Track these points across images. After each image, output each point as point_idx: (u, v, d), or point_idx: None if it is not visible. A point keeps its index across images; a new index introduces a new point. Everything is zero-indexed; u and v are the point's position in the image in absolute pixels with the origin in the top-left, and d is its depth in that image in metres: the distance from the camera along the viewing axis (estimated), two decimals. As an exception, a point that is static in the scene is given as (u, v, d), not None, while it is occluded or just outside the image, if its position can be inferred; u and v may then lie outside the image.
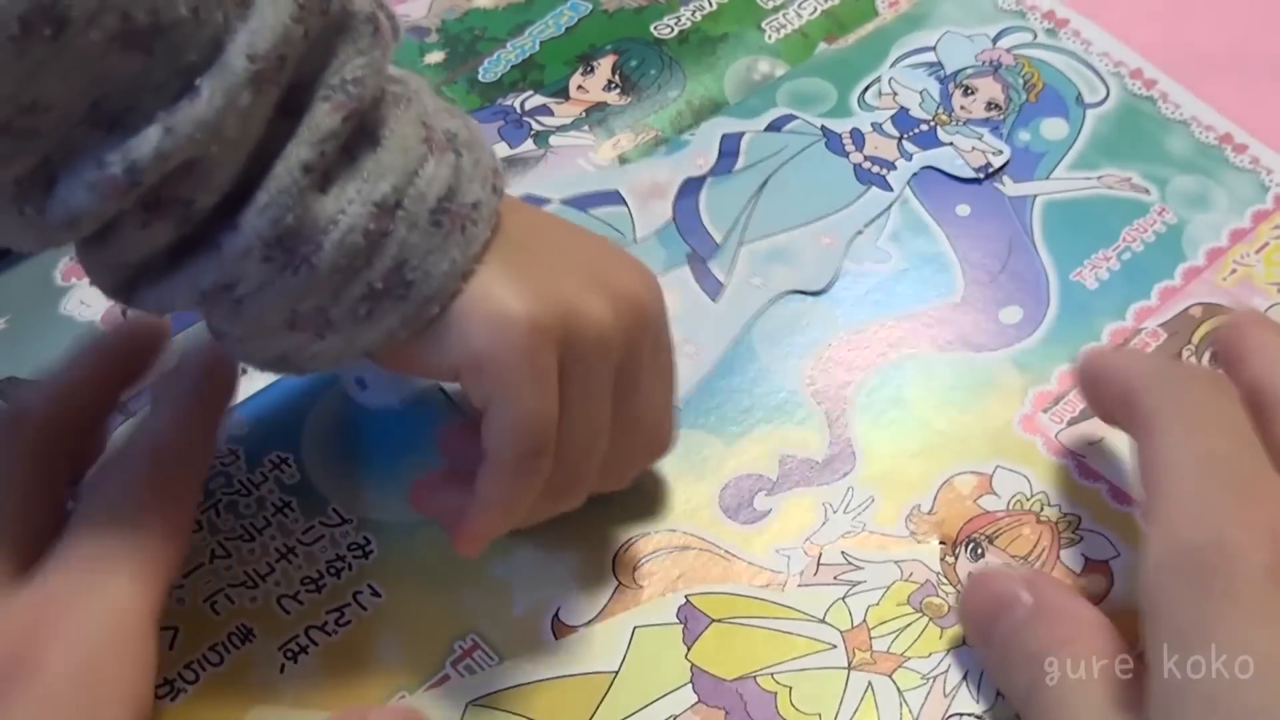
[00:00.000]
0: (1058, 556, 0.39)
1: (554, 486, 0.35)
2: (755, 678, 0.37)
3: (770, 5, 0.53)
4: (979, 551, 0.39)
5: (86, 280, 0.44)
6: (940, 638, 0.38)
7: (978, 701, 0.37)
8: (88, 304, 0.45)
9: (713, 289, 0.44)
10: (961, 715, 0.37)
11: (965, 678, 0.37)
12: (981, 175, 0.47)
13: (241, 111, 0.28)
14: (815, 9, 0.53)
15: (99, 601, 0.32)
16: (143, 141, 0.28)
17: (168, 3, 0.27)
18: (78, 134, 0.28)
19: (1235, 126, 0.49)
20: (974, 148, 0.48)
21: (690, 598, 0.38)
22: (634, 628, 0.38)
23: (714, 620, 0.38)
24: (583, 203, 0.46)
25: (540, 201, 0.47)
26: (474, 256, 0.32)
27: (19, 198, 0.29)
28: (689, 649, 0.37)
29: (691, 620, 0.38)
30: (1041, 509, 0.40)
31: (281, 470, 0.40)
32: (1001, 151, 0.48)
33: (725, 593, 0.39)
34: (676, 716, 0.36)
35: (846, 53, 0.51)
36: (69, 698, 0.31)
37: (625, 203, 0.47)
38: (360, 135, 0.31)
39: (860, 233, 0.46)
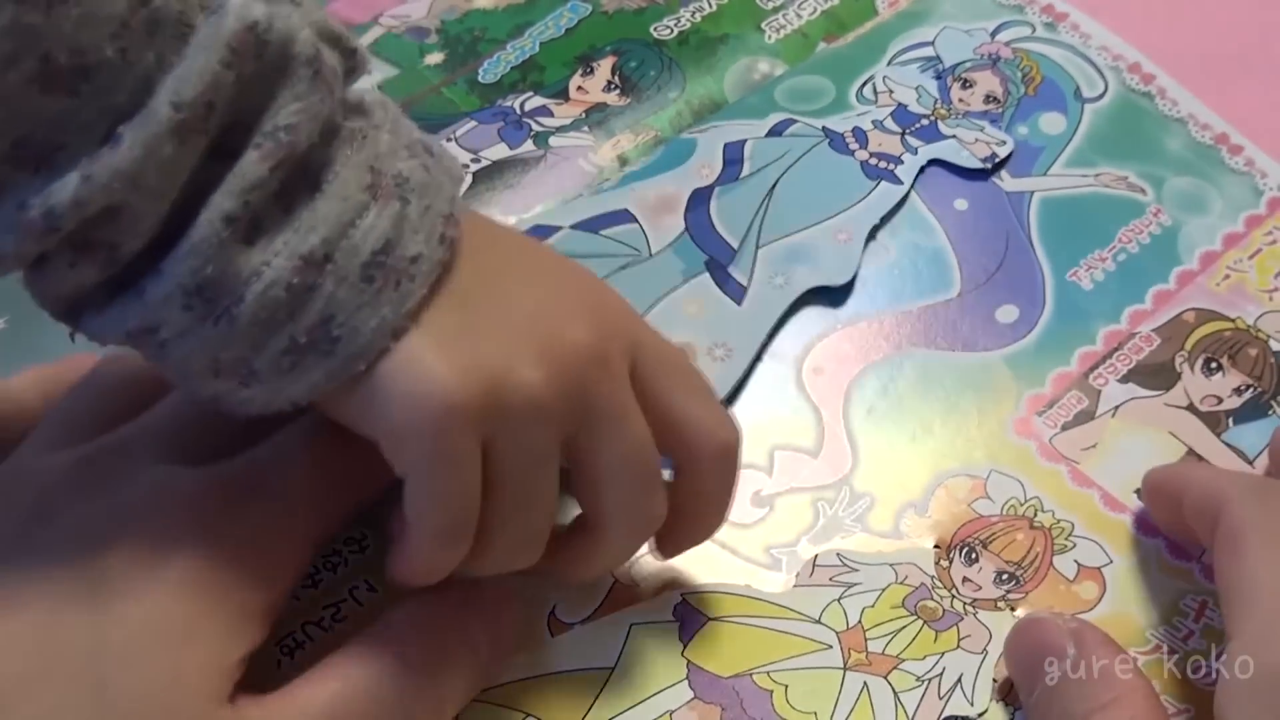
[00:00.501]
0: (1050, 563, 0.40)
1: (501, 551, 0.34)
2: (751, 675, 0.37)
3: (770, 6, 0.53)
4: (973, 556, 0.40)
5: None
6: (935, 641, 0.38)
7: (972, 704, 0.37)
8: None
9: (736, 293, 0.44)
10: (956, 718, 0.37)
11: (959, 681, 0.37)
12: (989, 166, 0.48)
13: (163, 161, 0.28)
14: (815, 9, 0.53)
15: None
16: (62, 188, 0.27)
17: (93, 44, 0.27)
18: (2, 173, 0.28)
19: (1231, 127, 0.49)
20: (977, 139, 0.48)
21: (686, 596, 0.39)
22: (630, 625, 0.38)
23: (710, 619, 0.38)
24: (593, 225, 0.46)
25: (550, 230, 0.46)
26: (407, 314, 0.31)
27: None
28: (685, 646, 0.38)
29: (688, 618, 0.38)
30: (1035, 515, 0.40)
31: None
32: (1005, 142, 0.48)
33: (722, 592, 0.39)
34: (673, 712, 0.37)
35: (845, 50, 0.51)
36: None
37: (636, 219, 0.46)
38: (300, 180, 0.30)
39: (877, 226, 0.46)
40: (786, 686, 0.37)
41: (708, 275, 0.45)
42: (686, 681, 0.37)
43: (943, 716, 0.37)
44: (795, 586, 0.39)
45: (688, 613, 0.38)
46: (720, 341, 0.43)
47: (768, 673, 0.37)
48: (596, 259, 0.44)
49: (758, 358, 0.43)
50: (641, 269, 0.45)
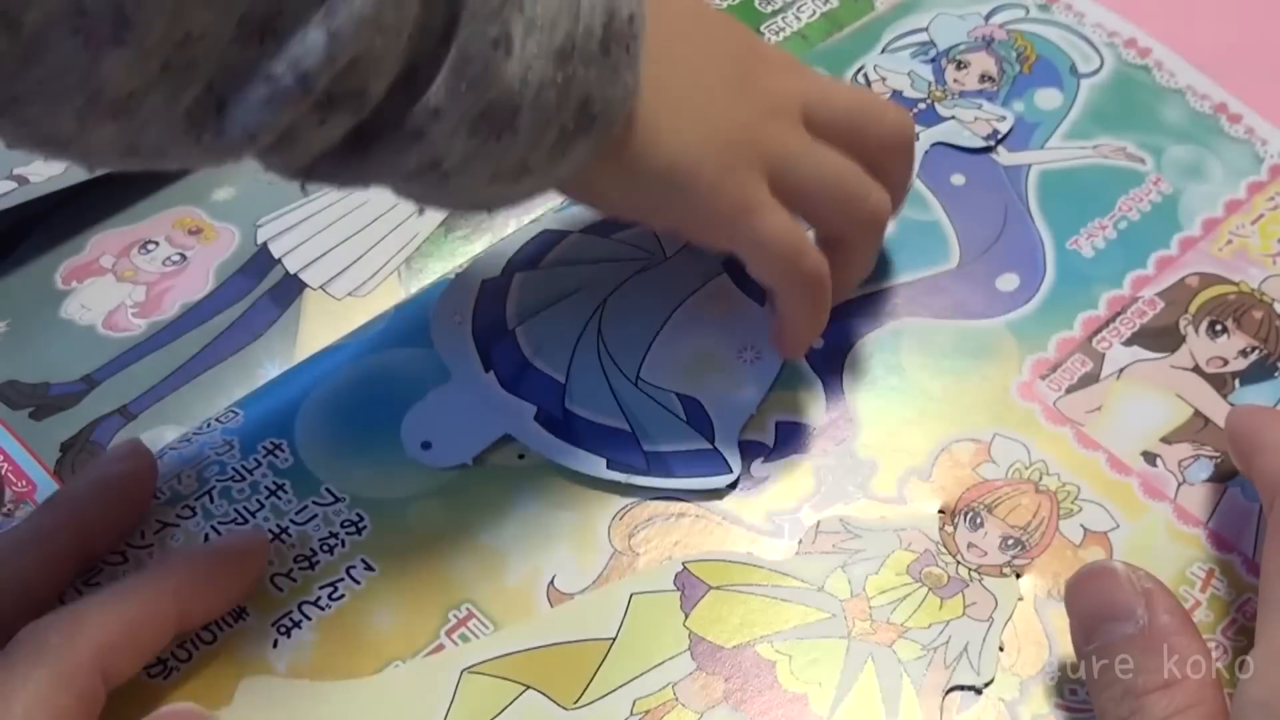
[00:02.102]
0: (1056, 527, 0.39)
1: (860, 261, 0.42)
2: (754, 646, 0.36)
3: (769, 9, 0.53)
4: (978, 521, 0.39)
5: (87, 283, 0.46)
6: (940, 608, 0.37)
7: (979, 674, 0.36)
8: (88, 307, 0.45)
9: (756, 294, 0.43)
10: (963, 687, 0.36)
11: (965, 649, 0.36)
12: (992, 143, 0.47)
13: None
14: (815, 11, 0.53)
15: None
16: (307, 50, 0.28)
17: None
18: (232, 53, 0.28)
19: (1230, 96, 0.49)
20: (976, 118, 0.48)
21: (687, 565, 0.38)
22: (631, 594, 0.37)
23: (712, 587, 0.37)
24: (605, 229, 0.45)
25: (561, 235, 0.45)
26: (639, 75, 0.34)
27: (194, 128, 0.29)
28: (687, 616, 0.37)
29: (689, 587, 0.38)
30: (1041, 478, 0.40)
31: (275, 455, 0.40)
32: (1005, 118, 0.48)
33: (722, 560, 0.38)
34: (675, 684, 0.36)
35: (840, 44, 0.51)
36: None
37: None
38: None
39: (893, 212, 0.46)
40: (790, 657, 0.36)
41: (726, 276, 0.44)
42: (689, 652, 0.36)
43: (949, 686, 0.36)
44: (798, 554, 0.38)
45: (689, 581, 0.38)
46: (749, 343, 0.42)
47: (770, 643, 0.37)
48: (611, 263, 0.44)
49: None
50: (659, 272, 0.44)
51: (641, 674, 0.36)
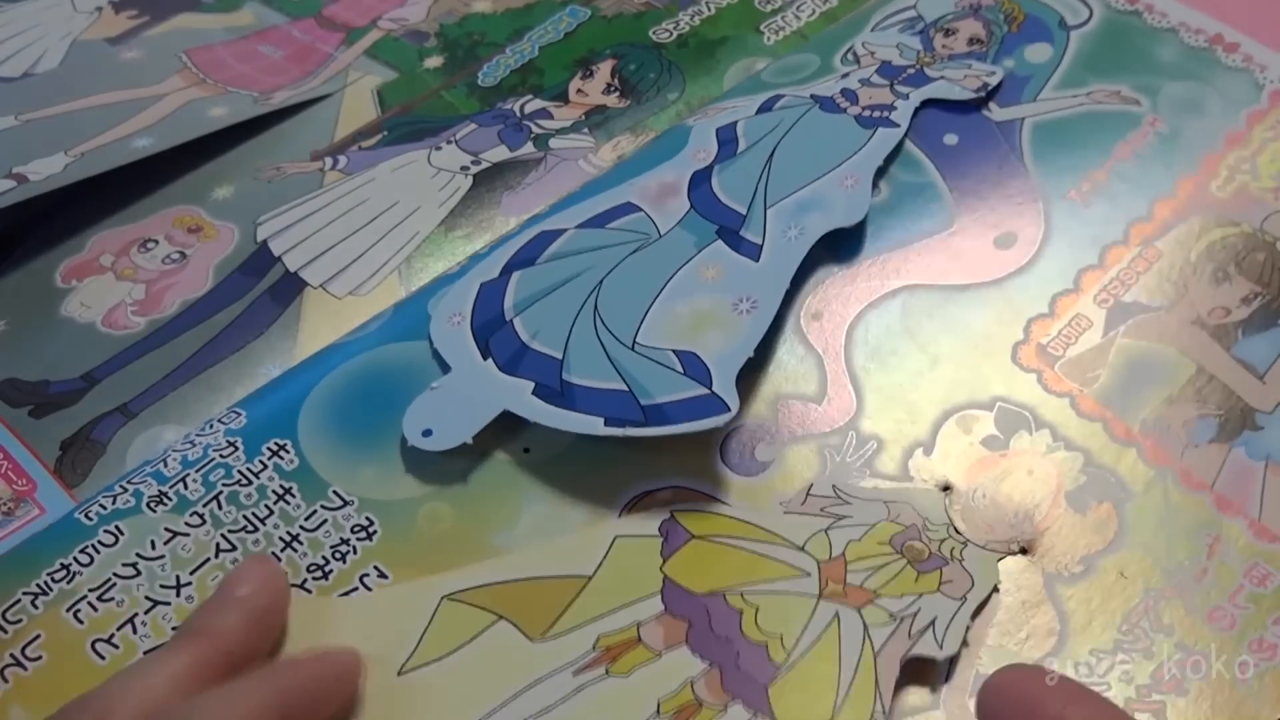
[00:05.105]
0: (1062, 499, 0.38)
1: None
2: (724, 595, 0.36)
3: (768, 8, 0.53)
4: (984, 496, 0.38)
5: (87, 282, 0.46)
6: (915, 581, 0.36)
7: (941, 648, 0.35)
8: (88, 305, 0.46)
9: (751, 252, 0.43)
10: (922, 658, 0.35)
11: (933, 624, 0.35)
12: (983, 94, 0.47)
13: None
14: (814, 10, 0.53)
15: None
16: None
17: None
18: None
19: (1226, 26, 0.47)
20: (965, 75, 0.47)
21: (675, 512, 0.38)
22: (615, 536, 0.37)
23: (694, 536, 0.37)
24: (599, 221, 0.45)
25: (556, 234, 0.45)
26: None
27: None
28: (665, 561, 0.37)
29: (672, 534, 0.37)
30: (1044, 449, 0.39)
31: (280, 457, 0.40)
32: (994, 72, 0.47)
33: (711, 511, 0.38)
34: (641, 624, 0.36)
35: (832, 32, 0.51)
36: None
37: (640, 209, 0.46)
38: None
39: (882, 169, 0.45)
40: (757, 608, 0.36)
41: (721, 242, 0.44)
42: (660, 595, 0.36)
43: (908, 654, 0.35)
44: (785, 513, 0.38)
45: (673, 529, 0.37)
46: (744, 295, 0.42)
47: (740, 593, 0.36)
48: (607, 249, 0.44)
49: (784, 306, 0.42)
50: (654, 248, 0.44)
51: (610, 611, 0.36)
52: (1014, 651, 0.35)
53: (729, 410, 0.39)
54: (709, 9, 0.54)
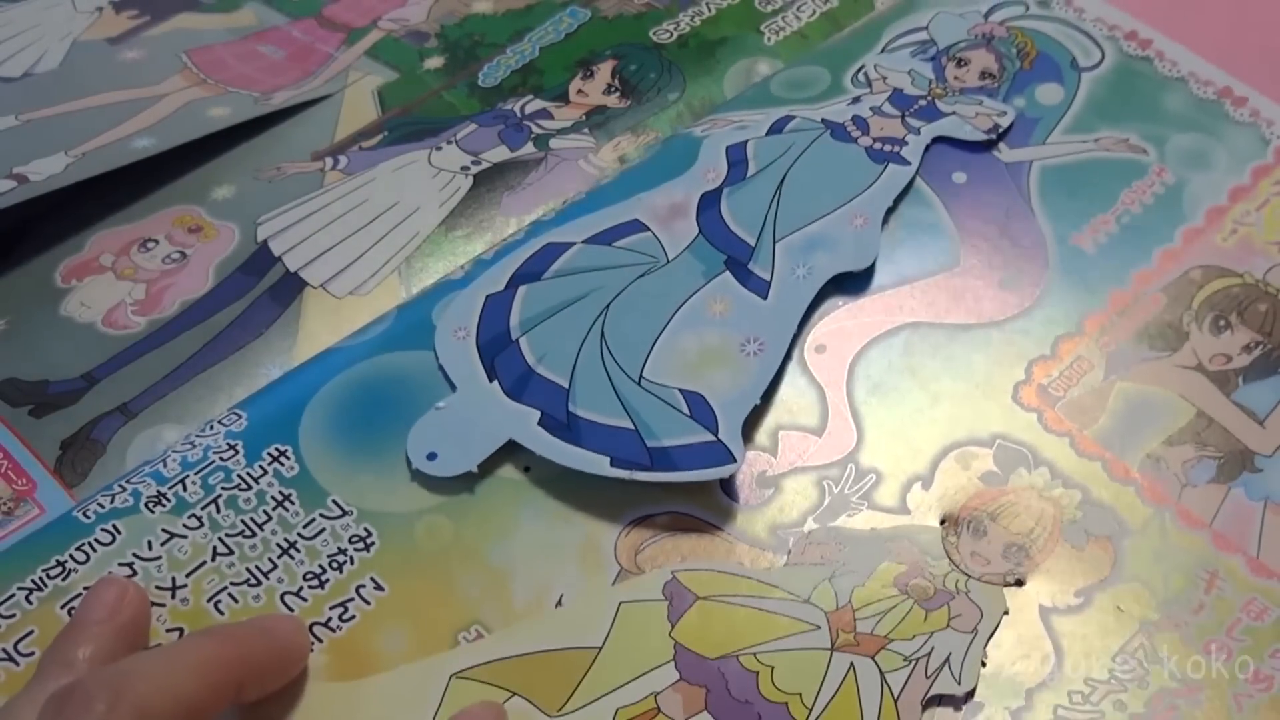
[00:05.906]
0: (1059, 534, 0.38)
1: None
2: (738, 657, 0.36)
3: (769, 9, 0.53)
4: (981, 529, 0.39)
5: (87, 281, 0.46)
6: (925, 620, 0.37)
7: (959, 683, 0.36)
8: (88, 305, 0.45)
9: (759, 288, 0.43)
10: (942, 697, 0.36)
11: (948, 660, 0.36)
12: (994, 136, 0.47)
13: None
14: (814, 11, 0.53)
15: None
16: None
17: None
18: None
19: (1234, 80, 0.48)
20: (977, 113, 0.48)
21: (677, 574, 0.38)
22: (620, 603, 0.37)
23: (699, 598, 0.37)
24: (606, 238, 0.45)
25: (564, 247, 0.45)
26: None
27: None
28: (673, 626, 0.37)
29: (676, 597, 0.37)
30: (1043, 485, 0.39)
31: (280, 463, 0.40)
32: (1006, 112, 0.48)
33: (711, 570, 0.38)
34: (658, 693, 0.36)
35: (840, 43, 0.51)
36: None
37: (648, 228, 0.46)
38: None
39: (891, 208, 0.46)
40: (772, 668, 0.36)
41: (729, 274, 0.44)
42: (673, 663, 0.36)
43: (928, 695, 0.36)
44: (786, 564, 0.38)
45: (677, 591, 0.38)
46: (752, 336, 0.42)
47: (754, 654, 0.36)
48: (614, 269, 0.44)
49: (791, 348, 0.43)
50: (662, 274, 0.44)
51: (626, 683, 0.36)
52: (1008, 675, 0.36)
53: (734, 461, 0.39)
54: (709, 10, 0.54)
